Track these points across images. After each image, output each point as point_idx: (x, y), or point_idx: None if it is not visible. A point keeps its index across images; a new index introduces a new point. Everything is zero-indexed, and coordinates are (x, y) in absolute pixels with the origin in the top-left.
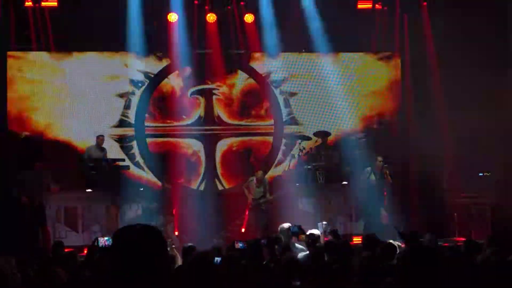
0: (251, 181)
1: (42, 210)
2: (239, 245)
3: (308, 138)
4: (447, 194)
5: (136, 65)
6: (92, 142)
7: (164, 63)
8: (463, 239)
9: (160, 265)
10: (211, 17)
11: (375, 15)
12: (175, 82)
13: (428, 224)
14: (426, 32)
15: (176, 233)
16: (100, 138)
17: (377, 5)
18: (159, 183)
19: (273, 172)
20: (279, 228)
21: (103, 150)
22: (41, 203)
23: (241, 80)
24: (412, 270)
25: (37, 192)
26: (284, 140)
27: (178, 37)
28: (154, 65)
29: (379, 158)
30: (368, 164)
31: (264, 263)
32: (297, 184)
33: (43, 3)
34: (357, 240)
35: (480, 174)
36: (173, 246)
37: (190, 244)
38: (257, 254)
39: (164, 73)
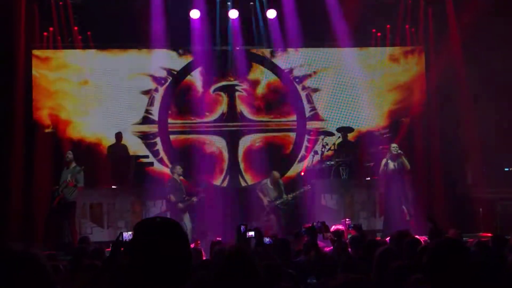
0: (264, 183)
1: (73, 206)
2: (267, 240)
3: (331, 134)
4: (471, 189)
5: (159, 62)
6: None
7: (187, 59)
8: (488, 234)
9: (181, 259)
10: (233, 13)
11: (399, 8)
12: (198, 78)
13: (452, 219)
14: (451, 25)
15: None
16: (119, 135)
17: None
18: (183, 179)
19: (296, 168)
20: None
21: (124, 146)
22: (70, 200)
23: (263, 76)
24: (442, 265)
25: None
26: (307, 136)
27: (201, 34)
28: (177, 62)
29: (393, 145)
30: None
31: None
32: (320, 180)
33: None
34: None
35: (506, 169)
36: (198, 241)
37: (216, 240)
38: (285, 249)
39: (187, 70)
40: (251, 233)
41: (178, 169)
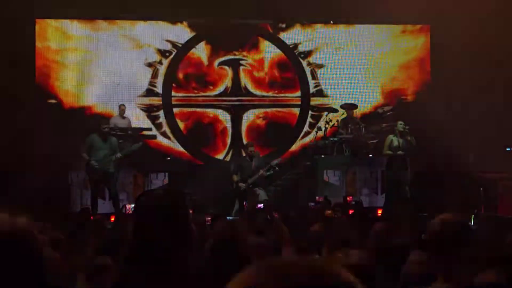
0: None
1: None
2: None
3: (335, 110)
4: (473, 169)
5: (164, 34)
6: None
7: (193, 32)
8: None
9: (182, 228)
10: None
11: None
12: (202, 52)
13: (453, 198)
14: (457, 5)
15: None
16: (122, 108)
17: None
18: (186, 153)
19: (299, 143)
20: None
21: (125, 119)
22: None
23: (268, 51)
24: (445, 243)
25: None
26: (310, 112)
27: (206, 7)
28: (182, 35)
29: (400, 122)
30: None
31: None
32: (322, 156)
33: None
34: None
35: (508, 149)
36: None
37: (217, 213)
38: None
39: (191, 42)
40: (260, 205)
41: (250, 147)
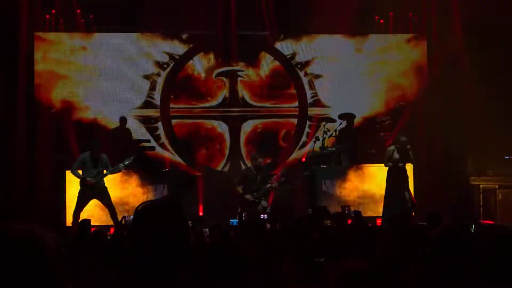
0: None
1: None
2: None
3: (333, 120)
4: (471, 177)
5: (162, 47)
6: (117, 123)
7: (190, 44)
8: (488, 222)
9: (181, 240)
10: None
11: None
12: (200, 63)
13: (452, 207)
14: (454, 14)
15: (201, 213)
16: (122, 120)
17: None
18: (184, 164)
19: (297, 154)
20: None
21: (127, 131)
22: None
23: (266, 62)
24: (447, 254)
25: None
26: (308, 122)
27: (203, 18)
28: (179, 47)
29: (402, 138)
30: (392, 144)
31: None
32: (321, 166)
33: None
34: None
35: (506, 157)
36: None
37: (215, 223)
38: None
39: (189, 54)
40: (264, 215)
41: (259, 159)
